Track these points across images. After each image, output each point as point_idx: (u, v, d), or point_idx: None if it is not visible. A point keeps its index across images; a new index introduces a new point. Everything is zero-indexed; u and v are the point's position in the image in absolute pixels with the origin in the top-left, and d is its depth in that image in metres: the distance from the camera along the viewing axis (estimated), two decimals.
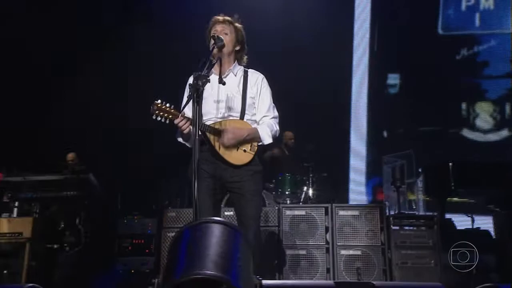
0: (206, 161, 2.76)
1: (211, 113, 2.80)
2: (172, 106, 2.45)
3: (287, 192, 5.54)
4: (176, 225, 4.76)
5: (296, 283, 1.52)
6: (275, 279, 4.63)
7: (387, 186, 5.93)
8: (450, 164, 5.36)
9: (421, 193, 5.92)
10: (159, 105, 2.39)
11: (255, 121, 2.90)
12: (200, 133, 2.76)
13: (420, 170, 5.95)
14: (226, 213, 4.84)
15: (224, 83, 2.71)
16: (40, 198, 5.30)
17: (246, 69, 2.95)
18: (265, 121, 2.89)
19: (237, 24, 2.89)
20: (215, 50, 2.73)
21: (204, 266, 1.40)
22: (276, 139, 2.94)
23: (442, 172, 5.44)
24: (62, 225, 5.30)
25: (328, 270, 4.62)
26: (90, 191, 5.30)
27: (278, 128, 2.93)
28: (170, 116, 2.46)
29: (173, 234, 4.76)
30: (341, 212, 4.76)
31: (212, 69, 2.86)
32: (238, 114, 2.82)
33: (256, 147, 2.82)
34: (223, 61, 2.85)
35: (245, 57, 2.96)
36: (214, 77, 2.84)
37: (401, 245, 4.65)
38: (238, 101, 2.82)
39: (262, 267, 4.61)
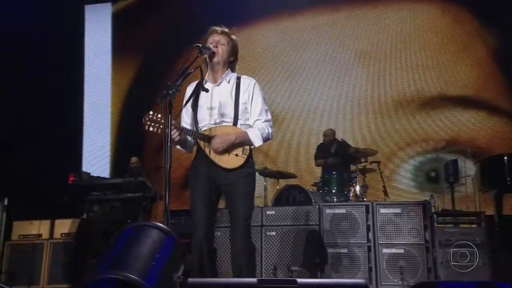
0: (201, 165, 2.91)
1: (205, 120, 2.94)
2: (162, 117, 2.62)
3: (333, 190, 5.54)
4: (218, 224, 4.96)
5: (221, 281, 1.60)
6: (318, 278, 4.70)
7: None
8: (505, 157, 5.06)
9: (477, 188, 5.64)
10: (150, 116, 2.57)
11: (249, 125, 2.98)
12: (192, 140, 2.95)
13: (474, 164, 5.67)
14: (268, 212, 4.98)
15: (206, 91, 2.85)
16: (105, 199, 5.77)
17: (239, 76, 3.05)
18: (257, 124, 2.97)
19: (233, 36, 3.01)
20: (207, 59, 2.89)
21: (118, 267, 1.55)
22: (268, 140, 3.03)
23: (496, 165, 5.14)
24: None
25: (370, 269, 4.59)
26: (146, 193, 5.67)
27: (270, 130, 3.00)
28: (161, 126, 2.63)
29: (218, 233, 4.98)
30: (383, 210, 4.70)
31: (206, 77, 3.02)
32: (231, 120, 2.92)
33: (248, 151, 2.91)
34: (216, 69, 2.98)
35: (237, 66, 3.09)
36: (208, 85, 2.98)
37: (446, 243, 4.49)
38: (231, 107, 2.92)
39: (304, 266, 4.73)
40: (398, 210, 4.67)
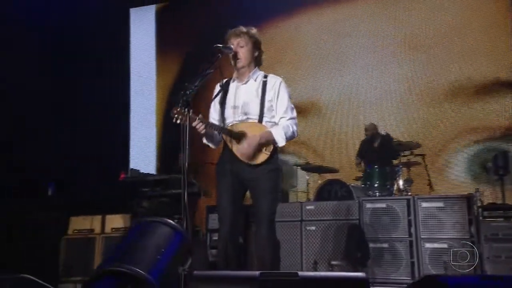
0: (227, 160, 2.99)
1: (230, 117, 3.02)
2: (192, 111, 2.70)
3: (376, 185, 5.47)
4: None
5: (224, 273, 1.66)
6: (359, 272, 4.68)
7: None
8: None
9: None
10: (178, 109, 2.65)
11: (275, 122, 3.03)
12: (219, 135, 3.04)
13: None
14: (307, 207, 5.02)
15: (225, 90, 2.95)
16: (154, 195, 6.01)
17: (266, 74, 3.10)
18: (282, 122, 3.01)
19: (252, 31, 3.05)
20: (232, 62, 2.98)
21: (124, 260, 1.66)
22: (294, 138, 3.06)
23: None
24: (176, 221, 5.97)
25: (412, 264, 4.52)
26: (190, 189, 5.87)
27: (295, 128, 3.02)
28: (188, 120, 2.67)
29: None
30: (424, 204, 4.62)
31: (234, 75, 3.10)
32: (257, 117, 2.98)
33: (272, 147, 2.95)
34: (242, 71, 3.05)
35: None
36: (236, 84, 3.07)
37: (492, 237, 4.35)
38: (256, 105, 2.98)
39: (345, 260, 4.73)
40: (441, 204, 4.57)
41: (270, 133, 2.95)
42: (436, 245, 4.50)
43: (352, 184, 5.71)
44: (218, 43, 2.94)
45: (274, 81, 3.06)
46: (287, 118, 3.01)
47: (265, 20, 7.75)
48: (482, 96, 6.63)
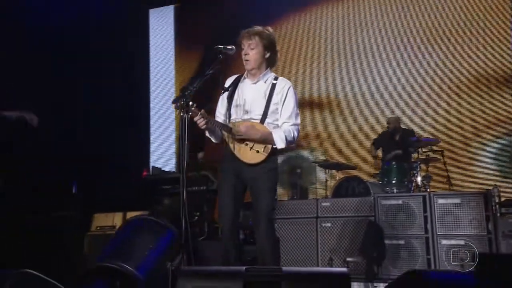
0: (227, 159, 3.07)
1: (234, 114, 3.09)
2: (194, 105, 2.75)
3: (393, 181, 5.45)
4: (277, 216, 5.10)
5: (211, 269, 1.70)
6: (376, 269, 4.69)
7: None
8: None
9: None
10: (182, 102, 2.68)
11: (277, 125, 3.06)
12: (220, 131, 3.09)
13: None
14: (323, 203, 5.04)
15: (226, 90, 3.01)
16: (174, 193, 6.14)
17: (277, 77, 3.14)
18: (284, 126, 3.04)
19: (264, 32, 3.08)
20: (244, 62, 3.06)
21: (114, 257, 1.73)
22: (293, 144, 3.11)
23: None
24: (196, 217, 6.08)
25: (429, 261, 4.50)
26: (209, 186, 5.95)
27: (296, 134, 3.05)
28: (191, 113, 2.74)
29: (275, 225, 5.12)
30: (441, 201, 4.57)
31: (245, 74, 3.15)
32: (259, 118, 3.03)
33: (270, 149, 2.99)
34: (253, 72, 3.10)
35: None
36: (247, 81, 3.13)
37: (510, 234, 4.29)
38: (261, 106, 3.03)
39: (360, 257, 4.73)
40: (457, 201, 4.52)
41: (270, 133, 3.00)
42: (453, 242, 4.46)
43: (370, 181, 5.70)
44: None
45: (283, 85, 3.10)
46: (290, 123, 3.05)
47: (283, 14, 7.75)
48: (507, 88, 6.47)
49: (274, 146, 3.01)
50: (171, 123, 7.73)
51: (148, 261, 1.80)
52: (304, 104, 7.55)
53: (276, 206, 4.94)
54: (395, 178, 5.46)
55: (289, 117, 3.05)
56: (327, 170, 6.32)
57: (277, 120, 3.07)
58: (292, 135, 3.04)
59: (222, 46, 2.92)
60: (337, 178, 6.06)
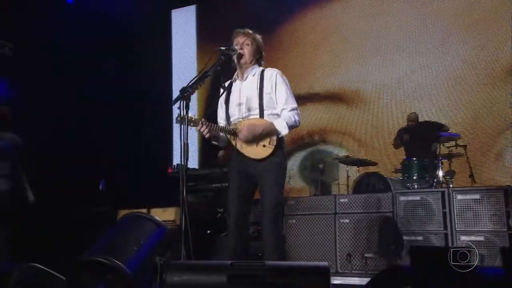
0: (233, 159, 3.14)
1: (235, 115, 3.15)
2: (195, 116, 2.88)
3: (414, 177, 5.41)
4: (295, 212, 5.17)
5: (198, 263, 1.77)
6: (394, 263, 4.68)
7: None
8: None
9: None
10: (182, 116, 2.81)
11: (277, 114, 3.11)
12: (222, 134, 3.17)
13: None
14: (341, 200, 5.06)
15: (224, 88, 3.08)
16: (198, 189, 6.28)
17: (264, 69, 3.19)
18: (283, 113, 3.08)
19: (257, 36, 3.18)
20: (234, 60, 3.11)
21: (104, 253, 1.84)
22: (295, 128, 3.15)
23: None
24: (219, 214, 6.21)
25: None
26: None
27: (297, 118, 3.09)
28: (192, 124, 2.88)
29: (294, 221, 5.20)
30: (460, 197, 4.53)
31: (235, 75, 3.23)
32: (257, 111, 3.08)
33: (276, 141, 3.03)
34: (244, 68, 3.17)
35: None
36: (237, 82, 3.20)
37: None
38: (256, 100, 3.09)
39: (378, 253, 4.73)
40: (477, 196, 4.47)
41: (272, 123, 3.04)
42: (472, 238, 4.41)
43: (391, 177, 5.67)
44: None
45: (270, 73, 3.15)
46: (288, 109, 3.09)
47: (309, 4, 7.73)
48: None
49: (279, 136, 3.06)
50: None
51: (137, 256, 1.90)
52: (327, 98, 7.53)
53: (285, 202, 4.99)
54: (416, 174, 5.42)
55: (285, 103, 3.09)
56: (348, 166, 6.32)
57: (275, 109, 3.12)
58: (293, 119, 3.08)
59: (224, 48, 3.01)
60: (358, 174, 6.05)
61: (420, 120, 6.38)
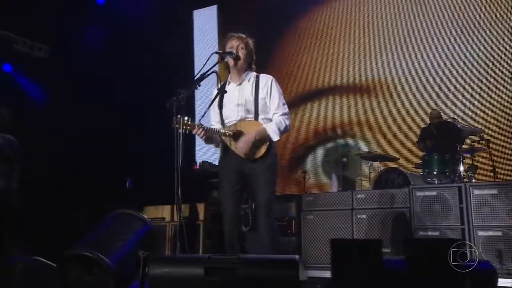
0: (228, 158, 3.27)
1: (231, 117, 3.28)
2: (190, 119, 3.02)
3: (434, 172, 5.36)
4: (313, 208, 5.25)
5: (178, 257, 1.87)
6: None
7: None
8: None
9: None
10: (178, 120, 2.95)
11: (270, 119, 3.25)
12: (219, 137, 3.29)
13: None
14: (358, 195, 5.09)
15: (226, 92, 3.19)
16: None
17: (258, 74, 3.34)
18: (275, 118, 3.23)
19: (249, 40, 3.33)
20: (231, 62, 3.24)
21: (90, 247, 1.98)
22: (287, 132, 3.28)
23: None
24: (243, 211, 6.35)
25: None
26: None
27: (288, 123, 3.24)
28: (189, 128, 3.02)
29: (311, 216, 5.27)
30: (477, 192, 4.49)
31: (229, 78, 3.36)
32: (253, 115, 3.23)
33: (268, 143, 3.18)
34: (239, 71, 3.31)
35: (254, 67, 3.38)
36: (232, 85, 3.33)
37: None
38: (252, 104, 3.23)
39: (395, 248, 4.75)
40: (494, 191, 4.42)
41: (265, 129, 3.19)
42: (490, 233, 4.37)
43: (412, 172, 5.65)
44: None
45: (266, 80, 3.30)
46: (280, 114, 3.24)
47: None
48: None
49: (271, 140, 3.20)
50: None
51: (120, 251, 2.05)
52: (350, 90, 7.46)
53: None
54: (436, 169, 5.37)
55: (277, 108, 3.25)
56: (370, 162, 6.32)
57: (268, 113, 3.27)
58: (284, 124, 3.23)
59: (220, 51, 3.13)
60: (380, 169, 6.05)
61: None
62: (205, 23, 8.71)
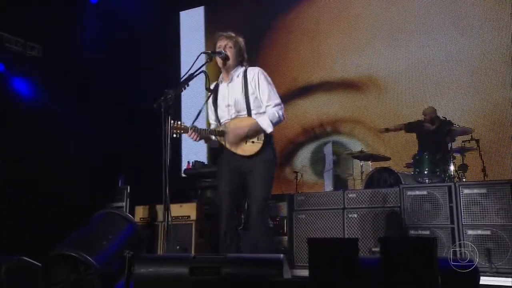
0: (224, 157, 3.27)
1: (224, 116, 3.29)
2: (183, 123, 3.04)
3: (425, 172, 5.41)
4: (305, 207, 5.27)
5: (163, 256, 1.89)
6: None
7: None
8: None
9: None
10: (173, 124, 2.96)
11: (264, 113, 3.23)
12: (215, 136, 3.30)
13: None
14: (349, 195, 5.11)
15: (210, 90, 3.21)
16: (215, 186, 6.43)
17: (246, 68, 3.32)
18: (267, 110, 3.20)
19: (239, 38, 3.31)
20: (220, 63, 3.25)
21: (74, 246, 2.00)
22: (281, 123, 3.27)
23: None
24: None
25: (455, 252, 4.47)
26: None
27: (281, 113, 3.21)
28: (182, 131, 3.04)
29: (303, 216, 5.29)
30: (466, 191, 4.53)
31: (221, 77, 3.36)
32: (245, 112, 3.22)
33: (263, 137, 3.17)
34: (229, 70, 3.31)
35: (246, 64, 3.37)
36: (223, 84, 3.34)
37: None
38: (241, 103, 3.22)
39: None
40: (483, 190, 4.46)
41: (257, 123, 3.17)
42: (479, 232, 4.41)
43: (403, 172, 5.69)
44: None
45: (253, 72, 3.28)
46: (272, 105, 3.21)
47: None
48: None
49: (267, 133, 3.18)
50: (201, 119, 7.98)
51: (105, 250, 2.07)
52: (340, 86, 7.43)
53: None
54: (427, 169, 5.42)
55: (268, 99, 3.22)
56: (362, 161, 6.35)
57: (261, 108, 3.24)
58: (277, 115, 3.21)
59: (210, 51, 3.14)
60: (371, 169, 6.08)
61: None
62: (192, 24, 8.70)
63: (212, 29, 8.44)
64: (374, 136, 7.01)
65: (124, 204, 6.08)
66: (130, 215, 2.34)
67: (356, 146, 6.86)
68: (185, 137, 8.21)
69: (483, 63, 6.45)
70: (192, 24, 8.68)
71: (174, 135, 2.95)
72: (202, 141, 3.36)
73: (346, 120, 7.29)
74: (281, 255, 1.80)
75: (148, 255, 2.09)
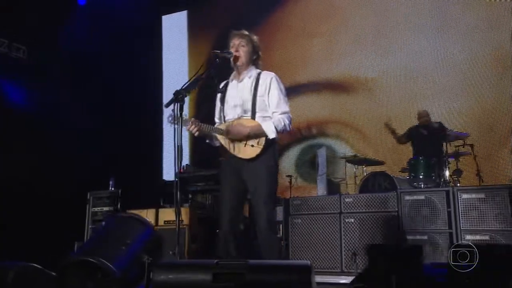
0: (226, 159, 3.20)
1: (229, 115, 3.22)
2: (186, 115, 2.91)
3: (420, 176, 5.39)
4: (300, 212, 5.20)
5: (185, 262, 1.82)
6: None
7: None
8: None
9: None
10: (176, 118, 2.84)
11: (269, 117, 3.16)
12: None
13: None
14: (346, 199, 5.07)
15: (218, 89, 3.13)
16: (206, 190, 6.33)
17: (260, 72, 3.24)
18: (274, 116, 3.13)
19: (254, 37, 3.24)
20: (231, 62, 3.17)
21: (92, 253, 1.90)
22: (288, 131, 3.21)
23: None
24: None
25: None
26: None
27: (287, 122, 3.14)
28: (182, 123, 2.90)
29: (299, 220, 5.23)
30: (465, 196, 4.52)
31: (232, 75, 3.29)
32: (250, 114, 3.14)
33: (264, 141, 3.08)
34: (241, 69, 3.23)
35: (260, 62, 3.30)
36: (234, 83, 3.26)
37: None
38: (249, 103, 3.14)
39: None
40: (482, 195, 4.45)
41: (259, 125, 3.09)
42: (478, 237, 4.39)
43: (398, 176, 5.67)
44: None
45: (265, 77, 3.20)
46: (279, 112, 3.14)
47: None
48: None
49: (268, 138, 3.10)
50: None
51: (124, 256, 1.97)
52: (324, 86, 7.35)
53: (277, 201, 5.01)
54: (422, 173, 5.40)
55: (277, 106, 3.14)
56: (355, 166, 6.32)
57: (266, 112, 3.17)
58: (283, 123, 3.13)
59: (219, 51, 3.06)
60: (365, 173, 6.05)
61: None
62: (174, 28, 8.61)
63: (195, 31, 8.34)
64: (362, 139, 6.98)
65: (113, 208, 5.92)
66: (146, 219, 2.24)
67: (342, 148, 6.81)
68: (167, 140, 8.11)
69: (476, 68, 6.49)
70: (174, 28, 8.60)
71: (174, 125, 2.80)
72: (186, 144, 3.29)
73: (333, 121, 7.22)
74: (309, 262, 1.73)
75: (168, 261, 1.99)
